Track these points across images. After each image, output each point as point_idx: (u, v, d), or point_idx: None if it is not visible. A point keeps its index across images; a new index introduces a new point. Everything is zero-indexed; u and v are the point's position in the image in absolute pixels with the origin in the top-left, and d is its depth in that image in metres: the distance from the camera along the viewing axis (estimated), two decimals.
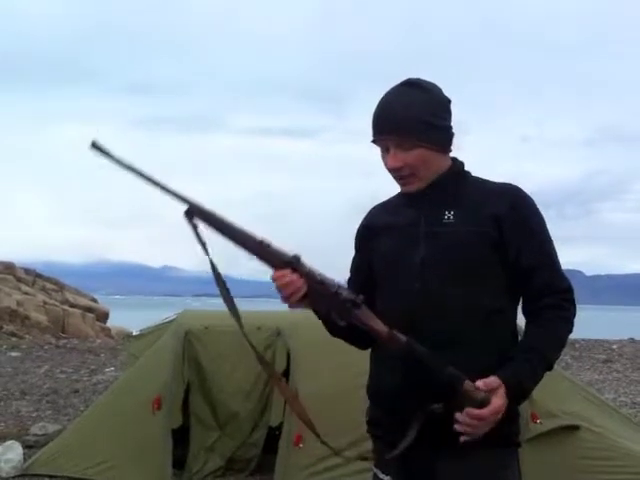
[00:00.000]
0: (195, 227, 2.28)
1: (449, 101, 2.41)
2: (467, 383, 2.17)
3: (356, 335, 2.39)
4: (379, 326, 2.25)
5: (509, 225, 2.29)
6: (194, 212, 2.28)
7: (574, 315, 2.38)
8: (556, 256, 2.39)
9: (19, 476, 6.11)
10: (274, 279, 2.27)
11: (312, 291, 2.26)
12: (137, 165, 2.27)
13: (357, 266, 2.60)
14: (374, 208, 2.58)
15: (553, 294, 2.32)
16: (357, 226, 2.61)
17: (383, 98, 2.38)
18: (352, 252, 2.63)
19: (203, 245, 2.30)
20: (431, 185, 2.37)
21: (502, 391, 2.19)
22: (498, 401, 2.17)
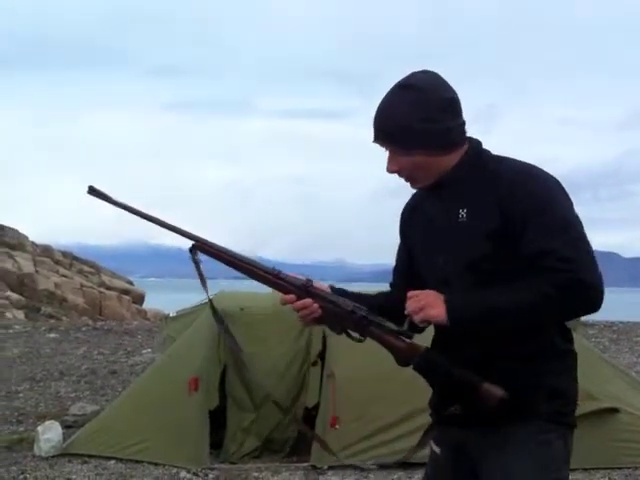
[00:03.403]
0: (197, 263, 2.37)
1: (451, 98, 2.31)
2: (485, 385, 2.22)
3: None
4: (396, 341, 2.33)
5: (521, 218, 2.20)
6: (200, 248, 2.36)
7: (571, 291, 2.13)
8: (586, 245, 2.20)
9: (59, 455, 6.19)
10: (284, 303, 2.36)
11: (327, 312, 2.35)
12: (134, 205, 2.36)
13: (399, 249, 2.63)
14: (413, 195, 2.57)
15: (547, 257, 2.15)
16: (388, 207, 2.63)
17: (380, 103, 2.35)
18: (384, 233, 2.66)
19: (204, 283, 2.46)
20: (441, 182, 2.35)
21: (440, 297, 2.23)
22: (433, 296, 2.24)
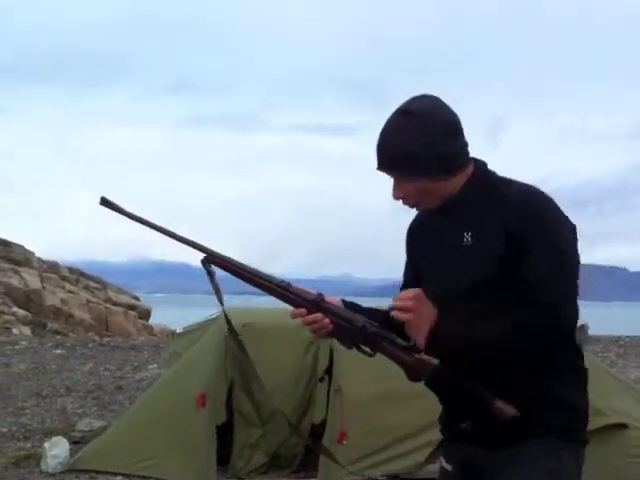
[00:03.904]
0: (211, 275, 2.38)
1: (453, 121, 2.32)
2: (497, 401, 2.23)
3: None
4: (407, 356, 2.33)
5: (524, 246, 2.22)
6: (211, 260, 2.37)
7: (550, 333, 2.19)
8: (573, 281, 2.25)
9: (66, 471, 6.18)
10: (295, 317, 2.36)
11: (337, 327, 2.34)
12: (147, 217, 2.37)
13: (405, 266, 2.64)
14: (419, 212, 2.55)
15: (535, 290, 2.19)
16: (395, 222, 2.65)
17: (381, 130, 2.35)
18: (394, 249, 2.67)
19: (219, 295, 2.45)
20: (447, 205, 2.35)
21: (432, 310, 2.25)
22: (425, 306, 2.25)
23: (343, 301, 2.44)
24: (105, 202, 2.37)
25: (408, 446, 5.81)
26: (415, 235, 2.56)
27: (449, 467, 2.46)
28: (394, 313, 2.28)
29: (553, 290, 2.19)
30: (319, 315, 2.33)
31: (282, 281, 2.38)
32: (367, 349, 2.38)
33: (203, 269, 2.36)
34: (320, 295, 2.36)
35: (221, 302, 2.50)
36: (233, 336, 2.71)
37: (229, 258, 2.39)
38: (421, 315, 2.27)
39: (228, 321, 2.87)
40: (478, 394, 2.25)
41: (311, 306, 2.34)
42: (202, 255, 2.37)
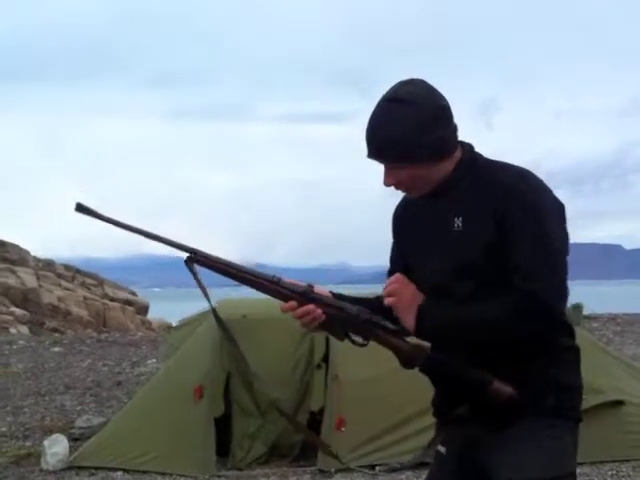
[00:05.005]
0: (195, 274, 2.34)
1: (442, 106, 2.28)
2: (495, 382, 2.23)
3: None
4: (401, 343, 2.33)
5: (510, 230, 2.21)
6: (195, 260, 2.33)
7: (531, 319, 2.18)
8: (555, 264, 2.22)
9: (66, 469, 6.18)
10: (284, 311, 2.33)
11: (329, 317, 2.32)
12: (125, 221, 2.32)
13: (392, 250, 2.61)
14: (405, 196, 2.52)
15: (517, 273, 2.18)
16: (388, 207, 2.62)
17: (369, 118, 2.31)
18: (385, 234, 2.64)
19: (205, 293, 2.43)
20: (437, 190, 2.33)
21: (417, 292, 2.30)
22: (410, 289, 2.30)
23: (331, 292, 2.42)
24: (81, 208, 2.29)
25: (407, 431, 5.83)
26: (402, 220, 2.53)
27: (443, 450, 2.45)
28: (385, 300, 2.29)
29: (534, 275, 2.18)
30: (311, 306, 2.31)
31: (272, 276, 2.35)
32: (359, 339, 2.36)
33: (188, 268, 2.32)
34: (310, 286, 2.34)
35: (209, 300, 2.48)
36: (225, 334, 2.68)
37: (215, 256, 2.36)
38: (406, 297, 2.29)
39: (217, 318, 2.82)
40: (475, 377, 2.25)
41: (302, 298, 2.31)
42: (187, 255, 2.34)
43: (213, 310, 2.73)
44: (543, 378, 2.28)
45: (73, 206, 2.29)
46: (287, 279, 2.36)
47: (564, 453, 2.31)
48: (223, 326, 3.19)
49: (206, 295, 2.46)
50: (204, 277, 2.38)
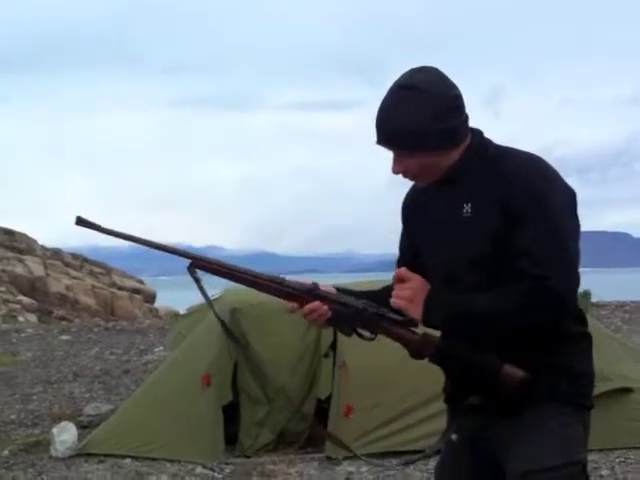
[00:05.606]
0: (198, 281, 2.37)
1: (455, 95, 2.26)
2: (505, 366, 2.22)
3: None
4: (410, 334, 2.33)
5: (518, 217, 2.19)
6: (198, 265, 2.35)
7: (536, 300, 2.15)
8: (566, 251, 2.18)
9: (75, 456, 6.20)
10: (291, 310, 2.37)
11: (336, 313, 2.34)
12: (126, 231, 2.37)
13: (401, 240, 2.61)
14: (411, 189, 2.53)
15: (524, 259, 2.16)
16: (395, 195, 2.61)
17: (380, 105, 2.29)
18: (394, 224, 2.64)
19: (207, 300, 2.48)
20: (446, 178, 2.32)
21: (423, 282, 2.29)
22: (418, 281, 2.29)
23: (336, 288, 2.43)
24: (81, 221, 2.32)
25: (416, 417, 5.83)
26: (411, 208, 2.52)
27: (455, 437, 2.45)
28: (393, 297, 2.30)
29: (544, 263, 2.15)
30: (317, 303, 2.33)
31: (276, 277, 2.38)
32: (367, 333, 2.38)
33: (190, 275, 2.35)
34: (315, 284, 2.36)
35: (212, 306, 2.54)
36: (227, 333, 2.69)
37: (217, 260, 2.38)
38: (414, 289, 2.29)
39: (219, 318, 2.80)
40: (485, 362, 2.24)
41: (308, 296, 2.33)
42: (190, 261, 2.37)
43: (216, 314, 2.71)
44: (555, 365, 2.28)
45: (74, 220, 2.33)
46: (291, 279, 2.39)
47: (575, 440, 2.31)
48: (226, 327, 3.18)
49: (208, 301, 2.50)
50: (207, 276, 2.40)
